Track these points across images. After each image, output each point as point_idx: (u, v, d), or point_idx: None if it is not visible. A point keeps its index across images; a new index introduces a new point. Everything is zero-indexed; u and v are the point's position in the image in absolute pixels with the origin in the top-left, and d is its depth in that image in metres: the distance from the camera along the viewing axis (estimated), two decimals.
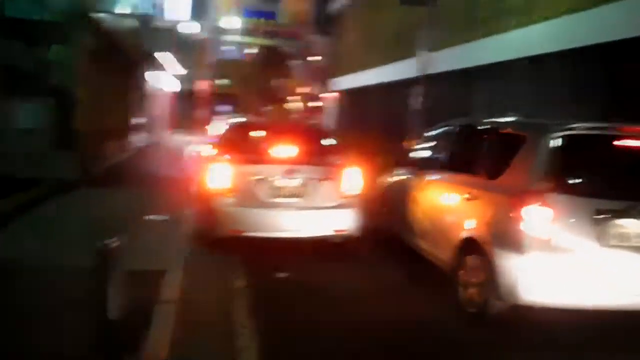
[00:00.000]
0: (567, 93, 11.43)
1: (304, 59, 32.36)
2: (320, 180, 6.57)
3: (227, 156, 6.83)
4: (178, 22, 23.89)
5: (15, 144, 10.41)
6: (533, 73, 12.30)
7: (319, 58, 31.04)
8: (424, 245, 6.08)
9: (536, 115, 10.87)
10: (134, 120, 18.99)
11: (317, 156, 7.02)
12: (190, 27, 26.44)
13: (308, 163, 6.74)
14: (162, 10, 20.38)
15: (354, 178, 6.76)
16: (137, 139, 19.95)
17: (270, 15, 30.09)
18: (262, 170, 6.53)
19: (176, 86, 33.06)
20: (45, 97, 10.68)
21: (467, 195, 5.18)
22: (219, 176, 6.57)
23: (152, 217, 8.09)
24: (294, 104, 45.72)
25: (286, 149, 7.04)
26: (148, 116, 22.53)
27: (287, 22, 30.58)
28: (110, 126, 14.55)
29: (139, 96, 20.07)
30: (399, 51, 20.12)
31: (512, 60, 12.77)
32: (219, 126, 25.06)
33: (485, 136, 5.59)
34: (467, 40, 14.76)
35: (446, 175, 5.91)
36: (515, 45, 12.63)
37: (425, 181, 6.27)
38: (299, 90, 40.47)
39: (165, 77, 26.75)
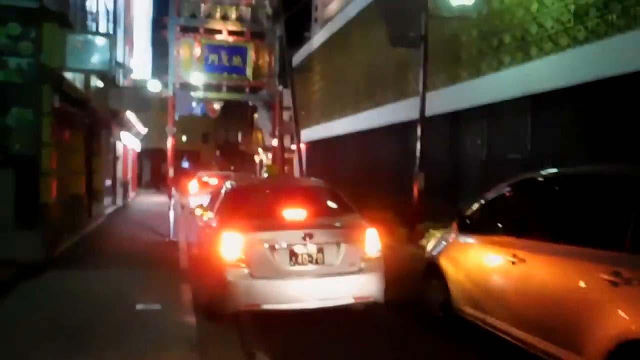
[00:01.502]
0: (568, 130, 10.82)
1: (271, 111, 31.53)
2: (337, 243, 6.12)
3: (236, 223, 6.27)
4: (141, 80, 22.93)
5: None
6: (530, 111, 11.68)
7: (286, 110, 30.30)
8: (521, 334, 4.79)
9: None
10: (102, 184, 17.54)
11: (331, 217, 6.72)
12: (153, 85, 25.47)
13: (323, 226, 6.32)
14: (122, 69, 19.43)
15: (373, 239, 6.33)
16: (106, 204, 18.46)
17: (235, 70, 29.23)
18: (276, 236, 6.04)
19: (138, 145, 31.73)
20: (3, 168, 9.27)
21: (611, 278, 3.78)
22: (229, 245, 6.02)
23: (141, 306, 6.76)
24: (261, 156, 44.89)
25: (297, 212, 6.59)
26: (114, 178, 21.09)
27: (251, 75, 29.79)
28: (77, 194, 13.14)
29: (107, 158, 18.70)
30: (375, 98, 19.49)
31: (508, 100, 12.15)
32: (195, 185, 24.16)
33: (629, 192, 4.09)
34: (455, 82, 14.13)
35: (559, 247, 4.46)
36: (509, 84, 12.01)
37: (521, 254, 4.82)
38: (266, 143, 39.68)
39: (129, 137, 25.45)
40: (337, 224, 6.54)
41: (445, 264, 6.12)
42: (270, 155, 43.08)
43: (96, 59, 10.12)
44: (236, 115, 50.83)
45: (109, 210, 19.02)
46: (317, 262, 6.06)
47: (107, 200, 18.98)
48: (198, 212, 8.63)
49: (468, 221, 5.96)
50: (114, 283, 8.07)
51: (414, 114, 15.36)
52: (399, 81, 17.49)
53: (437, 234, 10.73)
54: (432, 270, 6.40)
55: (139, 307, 6.72)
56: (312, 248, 6.04)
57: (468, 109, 13.67)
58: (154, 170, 48.05)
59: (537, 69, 11.22)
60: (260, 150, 45.74)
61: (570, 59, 10.34)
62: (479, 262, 5.60)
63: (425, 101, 12.79)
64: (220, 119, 51.75)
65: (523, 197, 5.37)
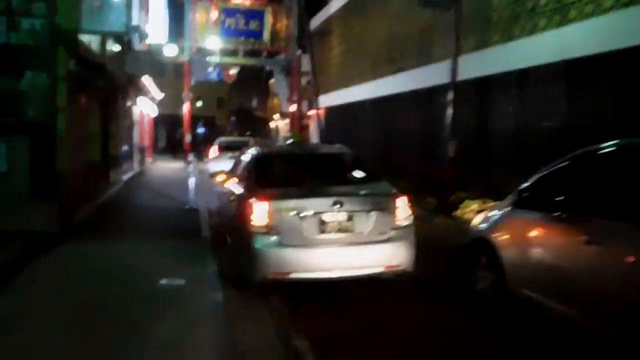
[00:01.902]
0: (608, 100, 10.22)
1: (289, 76, 30.96)
2: (367, 211, 5.97)
3: (264, 190, 6.16)
4: (156, 45, 22.43)
5: None
6: (567, 78, 11.06)
7: (304, 75, 29.70)
8: (589, 320, 4.50)
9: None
10: (119, 150, 17.22)
11: (360, 184, 6.62)
12: (169, 50, 24.94)
13: (353, 193, 6.24)
14: (138, 33, 18.92)
15: (403, 207, 6.17)
16: (123, 170, 18.18)
17: (252, 34, 28.59)
18: (305, 204, 5.88)
19: (154, 111, 31.36)
20: (18, 135, 8.89)
21: None
22: (258, 213, 5.87)
23: (165, 281, 6.43)
24: (279, 122, 44.36)
25: (325, 179, 6.56)
26: (130, 144, 20.77)
27: (268, 40, 29.16)
28: (94, 160, 12.81)
29: (124, 124, 18.34)
30: (397, 64, 18.83)
31: (542, 65, 11.51)
32: (215, 151, 23.87)
33: None
34: (486, 46, 13.46)
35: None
36: (546, 49, 11.36)
37: (595, 234, 4.35)
38: (284, 109, 39.13)
39: (145, 102, 25.06)
40: (367, 192, 6.37)
41: (499, 241, 5.66)
42: (286, 121, 42.59)
43: (112, 21, 9.63)
44: (252, 80, 50.16)
45: (127, 176, 18.75)
46: (346, 231, 5.93)
47: (124, 167, 18.70)
48: (220, 178, 8.45)
49: (527, 196, 5.48)
50: (134, 255, 7.76)
51: (438, 80, 14.80)
52: (423, 46, 16.80)
53: (473, 205, 10.32)
54: (480, 246, 5.97)
55: (163, 282, 6.39)
56: (341, 216, 5.90)
57: (499, 74, 13.01)
58: (169, 136, 47.77)
59: (575, 33, 10.55)
60: (276, 116, 45.14)
61: (612, 23, 9.66)
62: (543, 241, 5.15)
63: (456, 67, 12.17)
64: (236, 85, 51.16)
65: (596, 170, 4.87)
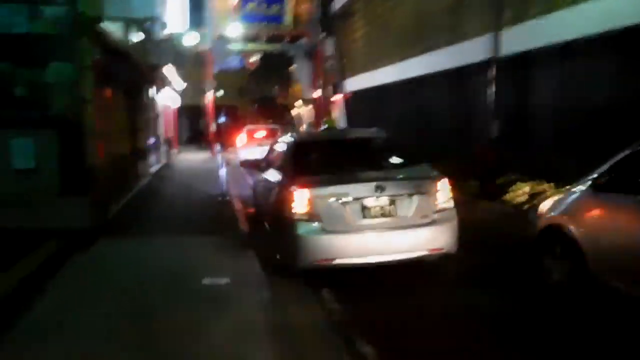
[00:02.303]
0: None
1: (312, 61, 30.34)
2: (409, 195, 5.94)
3: (304, 177, 6.14)
4: (177, 34, 22.00)
5: (10, 189, 8.27)
6: (614, 50, 10.31)
7: (327, 60, 29.06)
8: None
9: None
10: (146, 143, 16.86)
11: (400, 168, 6.61)
12: (191, 39, 24.48)
13: (394, 177, 6.23)
14: (158, 22, 18.49)
15: (444, 189, 6.11)
16: (150, 163, 17.85)
17: (273, 19, 28.00)
18: (347, 190, 5.86)
19: (178, 101, 31.04)
20: (44, 129, 8.49)
21: None
22: (299, 200, 5.84)
23: (208, 280, 5.99)
24: (301, 109, 43.79)
25: (365, 164, 6.58)
26: (156, 136, 20.42)
27: (290, 24, 28.53)
28: (123, 154, 12.43)
29: (149, 115, 17.96)
30: (426, 43, 18.12)
31: (589, 37, 10.77)
32: (243, 139, 23.57)
33: None
34: (523, 20, 12.71)
35: None
36: (589, 19, 10.61)
37: None
38: (306, 95, 38.53)
39: (169, 93, 24.69)
40: (407, 175, 6.32)
41: (579, 227, 5.10)
42: (309, 107, 41.93)
43: (137, 7, 9.16)
44: (272, 67, 49.48)
45: (154, 169, 18.43)
46: (389, 215, 5.89)
47: (151, 159, 18.35)
48: (254, 167, 8.62)
49: (611, 178, 4.91)
50: (172, 252, 7.35)
51: (471, 59, 14.14)
52: (454, 23, 16.06)
53: (525, 187, 9.70)
54: (553, 234, 5.43)
55: (206, 281, 5.95)
56: (383, 200, 5.87)
57: (541, 48, 12.27)
58: (192, 126, 47.54)
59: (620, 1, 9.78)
60: (298, 103, 44.53)
61: None
62: (636, 225, 4.58)
63: (498, 41, 11.48)
64: (256, 72, 50.54)
65: None
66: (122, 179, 12.01)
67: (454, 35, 15.89)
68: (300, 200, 5.83)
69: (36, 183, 8.38)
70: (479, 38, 13.56)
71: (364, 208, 5.83)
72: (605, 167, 5.05)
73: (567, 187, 5.81)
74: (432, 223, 5.95)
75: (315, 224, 5.78)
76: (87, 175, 8.61)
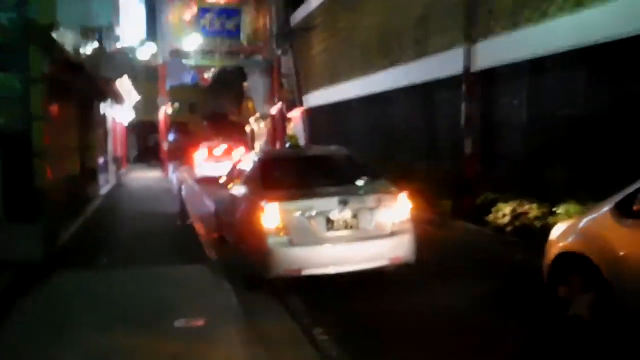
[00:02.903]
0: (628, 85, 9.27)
1: (268, 77, 29.74)
2: (370, 209, 6.35)
3: (272, 192, 6.45)
4: (130, 47, 21.03)
5: None
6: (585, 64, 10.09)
7: (284, 75, 28.52)
8: None
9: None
10: (97, 162, 15.80)
11: (362, 184, 6.85)
12: (145, 52, 23.51)
13: (356, 192, 6.60)
14: (112, 33, 17.56)
15: (403, 203, 6.55)
16: (100, 183, 16.76)
17: (229, 34, 27.33)
18: (313, 204, 6.22)
19: (128, 118, 29.82)
20: None
21: None
22: (269, 214, 6.15)
23: (181, 322, 5.22)
24: (255, 125, 43.04)
25: (329, 179, 6.95)
26: (105, 154, 19.31)
27: (247, 39, 27.94)
28: (74, 174, 11.45)
29: (100, 132, 16.91)
30: (390, 57, 17.79)
31: (557, 53, 10.52)
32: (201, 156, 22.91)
33: None
34: (487, 36, 12.39)
35: None
36: (555, 35, 10.37)
37: None
38: (261, 111, 37.85)
39: (119, 109, 23.57)
40: (369, 190, 6.65)
41: (602, 256, 4.60)
42: (262, 124, 41.19)
43: (95, 13, 8.35)
44: (226, 83, 48.66)
45: (104, 190, 17.33)
46: (352, 228, 6.25)
47: (101, 179, 17.25)
48: (221, 181, 8.91)
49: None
50: (137, 287, 6.48)
51: (437, 73, 13.84)
52: (419, 37, 15.74)
53: (506, 208, 9.28)
54: (569, 262, 4.94)
55: (179, 323, 5.19)
56: (347, 214, 6.22)
57: (507, 65, 11.97)
58: (141, 143, 46.09)
59: (593, 16, 9.55)
60: (251, 119, 43.74)
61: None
62: None
63: (471, 55, 11.15)
64: (208, 88, 49.53)
65: None
66: (72, 202, 11.02)
67: (418, 51, 15.57)
68: (269, 214, 6.12)
69: None
70: (448, 52, 13.27)
71: (329, 221, 6.18)
72: (630, 189, 4.60)
73: (554, 207, 5.34)
74: (392, 234, 6.35)
75: (284, 237, 6.08)
76: (36, 199, 7.69)
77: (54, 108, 9.09)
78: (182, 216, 11.27)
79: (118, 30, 17.39)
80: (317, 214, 6.14)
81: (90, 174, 14.17)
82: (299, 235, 6.10)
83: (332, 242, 6.17)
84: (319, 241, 6.14)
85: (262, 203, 6.20)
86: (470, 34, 11.43)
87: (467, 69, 11.37)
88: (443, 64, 13.36)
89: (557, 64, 10.60)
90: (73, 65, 9.89)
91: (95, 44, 12.30)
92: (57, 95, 9.18)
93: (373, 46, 19.11)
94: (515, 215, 8.97)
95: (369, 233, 6.28)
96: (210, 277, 6.78)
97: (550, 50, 10.45)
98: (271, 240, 6.06)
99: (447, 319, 5.55)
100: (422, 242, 8.69)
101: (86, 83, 12.00)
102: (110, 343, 4.74)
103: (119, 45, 18.25)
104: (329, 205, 6.19)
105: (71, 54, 9.86)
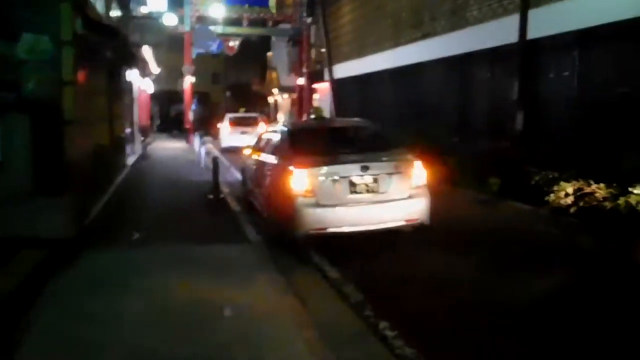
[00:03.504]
0: None
1: (295, 47, 28.95)
2: (390, 174, 6.89)
3: (301, 160, 6.92)
4: (157, 12, 20.41)
5: None
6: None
7: (312, 45, 27.71)
8: None
9: None
10: (124, 131, 15.30)
11: (382, 152, 7.30)
12: (169, 19, 22.86)
13: (377, 159, 7.01)
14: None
15: (419, 170, 7.08)
16: (127, 153, 16.28)
17: (257, 2, 26.50)
18: (337, 170, 6.79)
19: (151, 86, 29.29)
20: (14, 114, 7.01)
21: None
22: (298, 178, 6.72)
23: (229, 311, 4.68)
24: (279, 96, 42.34)
25: (352, 148, 7.53)
26: (132, 124, 18.81)
27: (274, 7, 27.09)
28: (103, 144, 10.93)
29: (128, 100, 16.37)
30: (422, 29, 16.92)
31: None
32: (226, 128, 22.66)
33: None
34: (538, 5, 11.50)
35: None
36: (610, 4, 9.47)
37: None
38: (282, 83, 37.13)
39: (145, 76, 23.02)
40: (389, 158, 7.11)
41: None
42: (285, 96, 40.41)
43: None
44: (250, 53, 47.78)
45: (131, 160, 16.86)
46: (372, 191, 6.82)
47: (127, 149, 16.76)
48: (247, 152, 9.75)
49: None
50: (173, 270, 5.94)
51: (474, 45, 13.07)
52: (455, 7, 14.82)
53: (569, 188, 8.59)
54: None
55: (228, 312, 4.65)
56: (368, 179, 6.80)
57: (553, 35, 11.06)
58: (164, 113, 45.62)
59: None
60: (275, 91, 42.96)
61: None
62: None
63: (527, 22, 10.36)
64: (231, 58, 48.70)
65: None
66: (102, 173, 10.52)
67: (454, 22, 14.69)
68: (298, 178, 6.70)
69: (3, 180, 6.94)
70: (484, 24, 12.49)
71: (352, 184, 6.75)
72: None
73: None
74: (409, 198, 6.91)
75: (311, 199, 6.65)
76: (66, 171, 7.17)
77: (85, 74, 8.52)
78: (215, 191, 10.71)
79: None
80: (341, 178, 6.72)
81: (118, 143, 13.68)
82: (324, 197, 6.67)
83: (354, 204, 6.75)
84: (342, 203, 6.72)
85: (292, 168, 6.80)
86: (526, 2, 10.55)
87: (522, 37, 10.52)
88: (467, 40, 12.62)
89: (604, 36, 9.74)
90: (105, 28, 9.28)
91: (118, 11, 11.66)
92: (87, 60, 8.60)
93: (400, 18, 18.24)
94: (579, 196, 8.27)
95: (388, 196, 6.83)
96: (250, 259, 6.36)
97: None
98: (300, 202, 6.64)
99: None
100: (475, 226, 8.22)
101: (117, 48, 11.40)
102: (159, 344, 4.20)
103: (140, 11, 17.66)
104: (352, 170, 6.76)
105: (103, 16, 9.24)
